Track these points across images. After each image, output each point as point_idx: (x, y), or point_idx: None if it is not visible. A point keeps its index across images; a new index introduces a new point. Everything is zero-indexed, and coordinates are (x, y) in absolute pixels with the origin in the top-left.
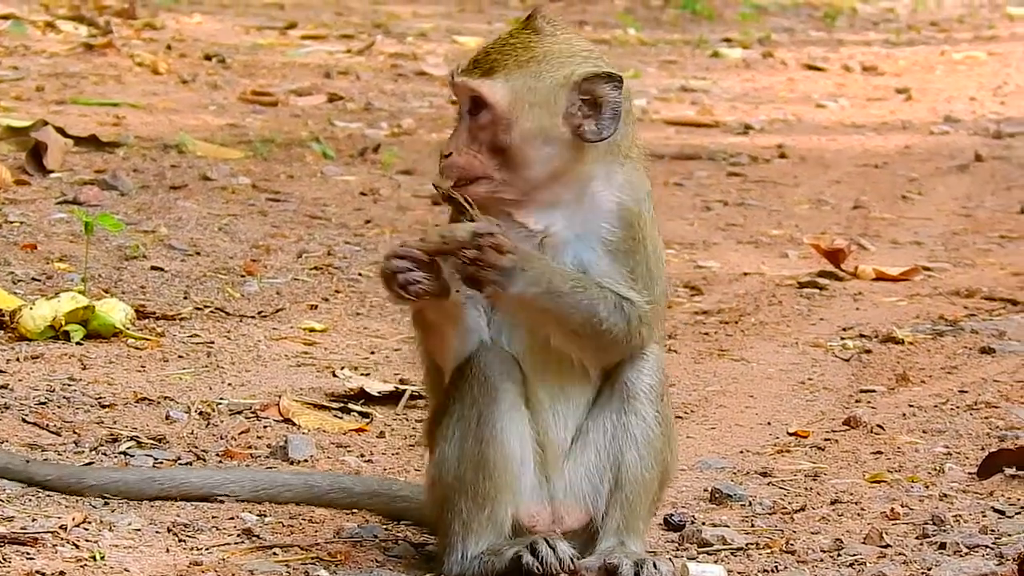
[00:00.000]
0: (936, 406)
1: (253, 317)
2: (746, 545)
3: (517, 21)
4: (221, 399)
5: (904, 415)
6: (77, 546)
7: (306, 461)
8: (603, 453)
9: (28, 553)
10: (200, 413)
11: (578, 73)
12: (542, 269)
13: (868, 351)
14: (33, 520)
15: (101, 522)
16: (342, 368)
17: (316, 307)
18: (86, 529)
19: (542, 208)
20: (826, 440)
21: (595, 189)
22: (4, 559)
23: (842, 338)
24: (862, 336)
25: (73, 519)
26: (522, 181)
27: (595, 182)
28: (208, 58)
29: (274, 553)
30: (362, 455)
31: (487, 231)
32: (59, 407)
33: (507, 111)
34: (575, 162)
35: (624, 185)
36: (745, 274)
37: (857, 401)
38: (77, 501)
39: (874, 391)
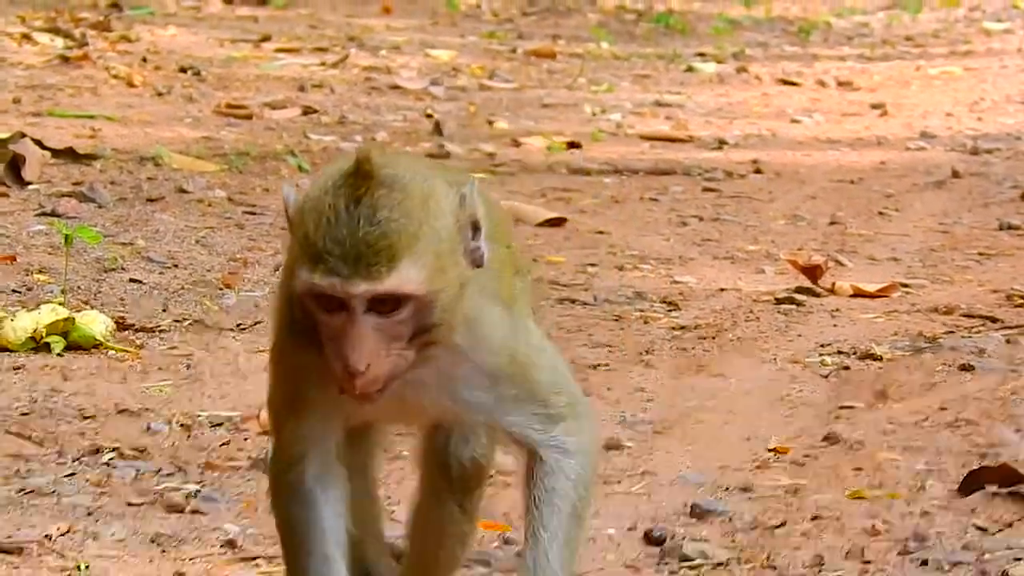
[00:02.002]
0: (916, 423)
1: (232, 330)
2: (727, 560)
3: (346, 182)
4: (202, 411)
5: (884, 432)
6: (62, 556)
7: None
8: None
9: (13, 563)
10: (181, 425)
11: (456, 205)
12: None
13: (847, 367)
14: (18, 529)
15: (85, 532)
16: None
17: None
18: (71, 539)
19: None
20: (806, 456)
21: (468, 326)
22: None
23: (820, 354)
24: (840, 352)
25: (58, 528)
26: (441, 345)
27: (474, 308)
28: (183, 71)
29: (257, 564)
30: None
31: None
32: (42, 418)
33: (429, 291)
34: (465, 296)
35: (494, 319)
36: (722, 290)
37: (837, 417)
38: (61, 511)
39: (853, 407)
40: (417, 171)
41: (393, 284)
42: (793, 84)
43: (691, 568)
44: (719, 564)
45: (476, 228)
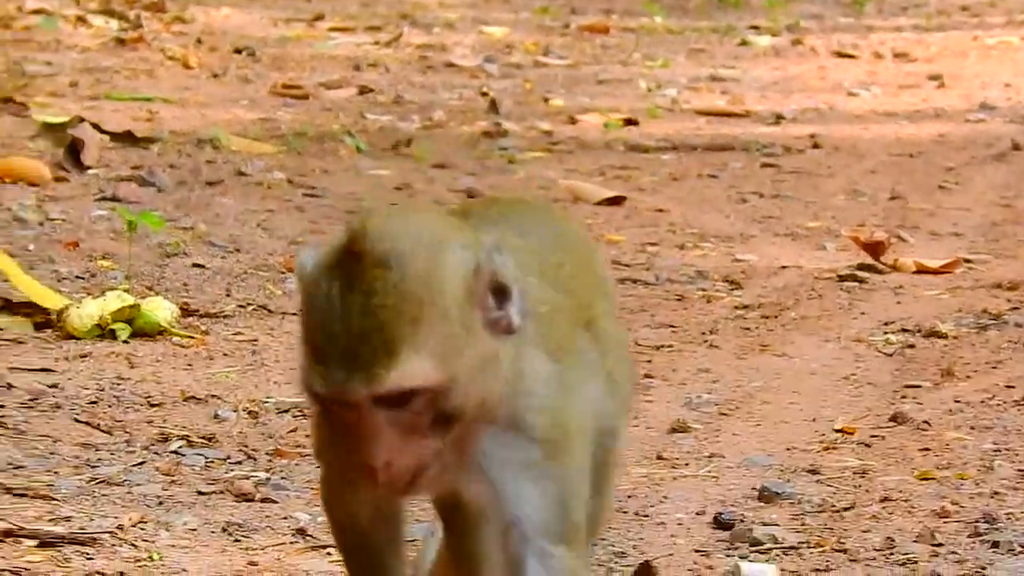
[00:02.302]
0: (983, 401)
1: (295, 314)
2: (797, 544)
3: (340, 263)
4: (268, 397)
5: (951, 411)
6: (135, 546)
7: None
8: None
9: (87, 553)
10: (248, 412)
11: (469, 276)
12: None
13: (911, 346)
14: (91, 520)
15: (157, 522)
16: None
17: None
18: (143, 529)
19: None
20: (873, 437)
21: (514, 391)
22: (64, 559)
23: (884, 332)
24: (905, 330)
25: (130, 519)
26: (466, 434)
27: (512, 379)
28: (238, 51)
29: (328, 553)
30: None
31: None
32: (109, 406)
33: (441, 380)
34: (499, 365)
35: (540, 372)
36: (784, 267)
37: (903, 397)
38: (132, 500)
39: (919, 386)
40: (424, 239)
41: (394, 383)
42: (849, 56)
43: (761, 552)
44: (789, 548)
45: (501, 293)
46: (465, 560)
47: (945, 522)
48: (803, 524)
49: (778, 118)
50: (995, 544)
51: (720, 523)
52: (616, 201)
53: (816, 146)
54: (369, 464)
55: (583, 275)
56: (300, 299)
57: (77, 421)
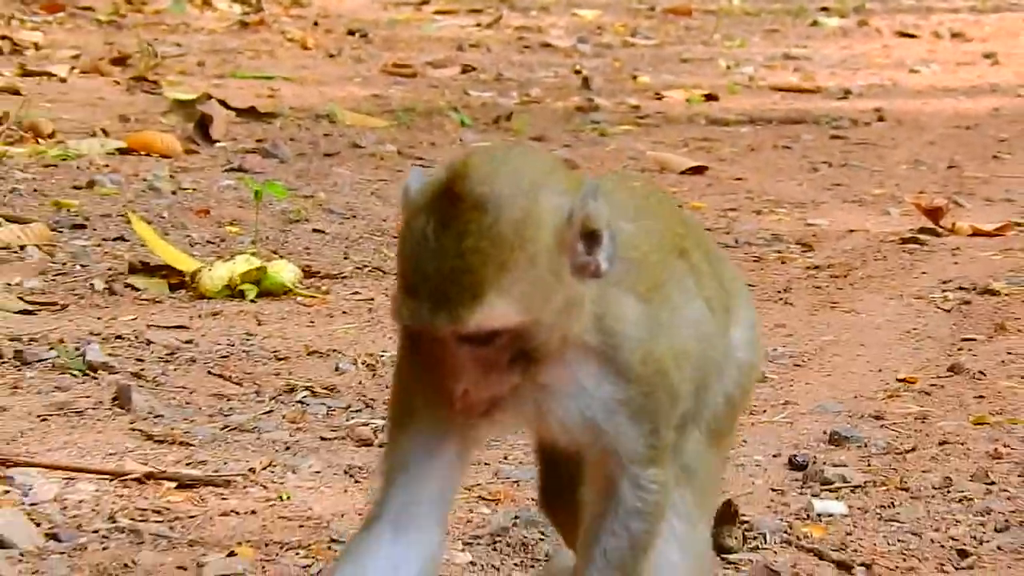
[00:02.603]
0: None
1: None
2: (864, 483)
3: (437, 203)
4: (384, 351)
5: (1003, 362)
6: (265, 487)
7: None
8: None
9: (222, 494)
10: (366, 364)
11: (562, 222)
12: None
13: (967, 302)
14: (225, 464)
15: (285, 465)
16: None
17: None
18: (272, 472)
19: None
20: (932, 385)
21: (600, 323)
22: (201, 499)
23: (943, 290)
24: (961, 288)
25: (260, 463)
26: (545, 365)
27: (597, 317)
28: (351, 33)
29: None
30: None
31: None
32: (239, 360)
33: (523, 322)
34: (586, 307)
35: (628, 314)
36: (851, 231)
37: (959, 349)
38: (262, 446)
39: (974, 340)
40: (522, 183)
41: (477, 322)
42: (911, 36)
43: (831, 491)
44: (857, 487)
45: (593, 238)
46: (560, 498)
47: (998, 463)
48: (869, 465)
49: (846, 93)
50: None
51: (794, 464)
52: (699, 171)
53: (881, 119)
54: (449, 390)
55: (675, 215)
56: (401, 224)
57: (210, 374)
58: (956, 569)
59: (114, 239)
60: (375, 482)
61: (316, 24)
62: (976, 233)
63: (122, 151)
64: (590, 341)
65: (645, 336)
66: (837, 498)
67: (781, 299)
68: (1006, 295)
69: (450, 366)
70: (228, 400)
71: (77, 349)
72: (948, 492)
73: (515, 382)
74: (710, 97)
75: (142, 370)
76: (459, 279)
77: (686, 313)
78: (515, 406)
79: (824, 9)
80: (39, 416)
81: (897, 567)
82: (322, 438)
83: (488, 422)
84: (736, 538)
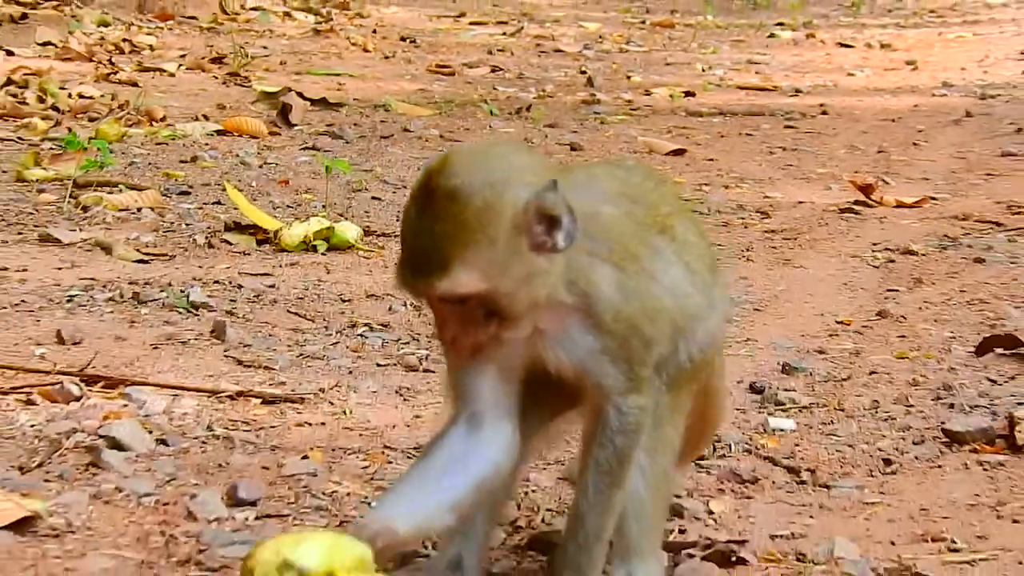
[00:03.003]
0: (943, 302)
1: None
2: (809, 404)
3: (419, 191)
4: None
5: (920, 308)
6: (332, 404)
7: None
8: None
9: (298, 409)
10: (414, 306)
11: (521, 207)
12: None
13: (892, 261)
14: (300, 384)
15: (348, 386)
16: None
17: None
18: (337, 391)
19: (535, 320)
20: (864, 327)
21: (576, 287)
22: (281, 413)
23: (873, 251)
24: (887, 249)
25: (328, 384)
26: (520, 321)
27: (571, 282)
28: (403, 40)
29: None
30: None
31: None
32: (312, 301)
33: (487, 289)
34: (552, 275)
35: (602, 280)
36: (800, 202)
37: (885, 298)
38: (330, 371)
39: (898, 290)
40: (489, 178)
41: (447, 287)
42: (848, 46)
43: (783, 411)
44: (803, 408)
45: (552, 222)
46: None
47: (915, 389)
48: (813, 390)
49: (796, 92)
50: (951, 406)
51: (753, 389)
52: (679, 153)
53: (824, 113)
54: (446, 341)
55: (662, 195)
56: None
57: (289, 312)
58: (882, 474)
59: (212, 203)
60: (445, 402)
61: (375, 32)
62: (899, 205)
63: (219, 132)
64: (567, 300)
65: (617, 298)
66: (788, 416)
67: (744, 256)
68: (923, 255)
69: (440, 319)
70: (302, 333)
71: (182, 291)
72: (876, 412)
73: (493, 333)
74: (688, 94)
75: (234, 308)
76: (431, 254)
77: (662, 279)
78: (509, 349)
79: (779, 24)
80: (151, 345)
81: (835, 472)
82: (378, 364)
83: (479, 361)
84: (708, 447)
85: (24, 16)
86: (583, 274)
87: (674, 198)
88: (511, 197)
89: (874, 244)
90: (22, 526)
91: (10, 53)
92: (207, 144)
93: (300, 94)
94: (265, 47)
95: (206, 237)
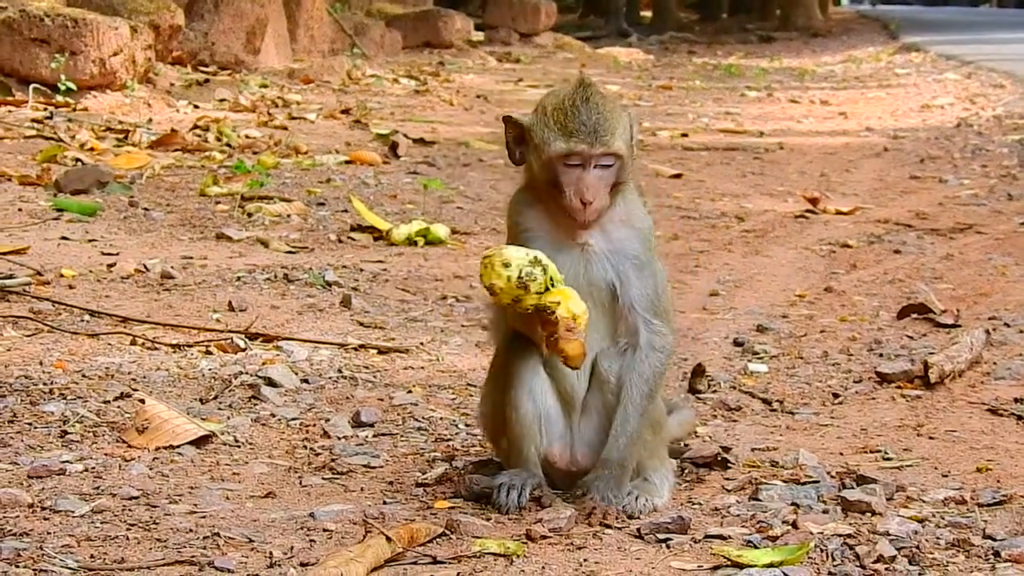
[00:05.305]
0: (872, 280)
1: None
2: (777, 354)
3: (577, 91)
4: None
5: (856, 285)
6: (429, 354)
7: None
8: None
9: (404, 358)
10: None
11: (627, 113)
12: (621, 471)
13: (834, 252)
14: (405, 340)
15: (441, 341)
16: None
17: None
18: (432, 344)
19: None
20: (815, 299)
21: (625, 209)
22: (391, 360)
23: (820, 245)
24: (830, 244)
25: (426, 339)
26: (623, 187)
27: (623, 203)
28: (478, 97)
29: None
30: None
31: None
32: (415, 280)
33: (626, 154)
34: (633, 169)
35: (637, 205)
36: (766, 211)
37: (830, 278)
38: (427, 330)
39: (839, 273)
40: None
41: (613, 147)
42: (796, 102)
43: (759, 358)
44: (773, 356)
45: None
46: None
47: (853, 343)
48: (779, 343)
49: (761, 133)
50: (880, 355)
51: (736, 343)
52: (678, 176)
53: (781, 148)
54: (584, 199)
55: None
56: (534, 122)
57: (397, 288)
58: (832, 404)
59: (341, 211)
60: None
61: (458, 92)
62: (838, 213)
63: (347, 162)
64: (621, 215)
65: (644, 220)
66: (762, 362)
67: (727, 249)
68: (856, 247)
69: (587, 182)
70: (407, 303)
71: (320, 273)
72: (826, 360)
73: (609, 202)
74: (684, 135)
75: (357, 285)
76: (602, 125)
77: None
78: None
79: (748, 87)
80: (297, 311)
81: (797, 403)
82: (462, 325)
83: (592, 226)
84: (704, 385)
85: (207, 80)
86: (630, 196)
87: None
88: (624, 108)
89: (820, 240)
90: (202, 442)
91: (196, 106)
92: (338, 170)
93: (405, 135)
94: (379, 102)
95: (337, 235)
